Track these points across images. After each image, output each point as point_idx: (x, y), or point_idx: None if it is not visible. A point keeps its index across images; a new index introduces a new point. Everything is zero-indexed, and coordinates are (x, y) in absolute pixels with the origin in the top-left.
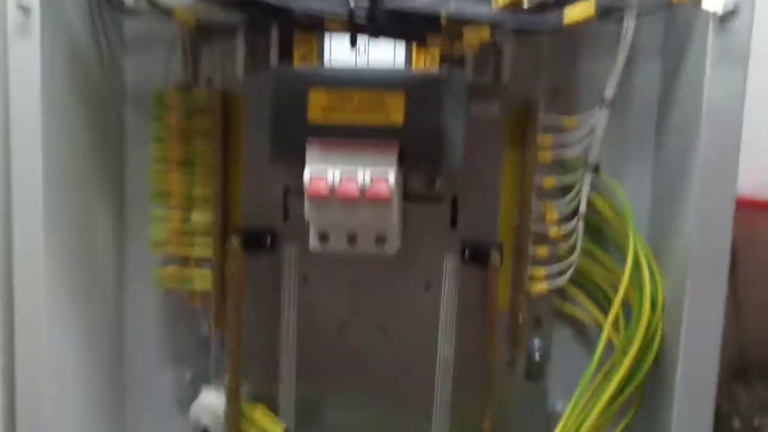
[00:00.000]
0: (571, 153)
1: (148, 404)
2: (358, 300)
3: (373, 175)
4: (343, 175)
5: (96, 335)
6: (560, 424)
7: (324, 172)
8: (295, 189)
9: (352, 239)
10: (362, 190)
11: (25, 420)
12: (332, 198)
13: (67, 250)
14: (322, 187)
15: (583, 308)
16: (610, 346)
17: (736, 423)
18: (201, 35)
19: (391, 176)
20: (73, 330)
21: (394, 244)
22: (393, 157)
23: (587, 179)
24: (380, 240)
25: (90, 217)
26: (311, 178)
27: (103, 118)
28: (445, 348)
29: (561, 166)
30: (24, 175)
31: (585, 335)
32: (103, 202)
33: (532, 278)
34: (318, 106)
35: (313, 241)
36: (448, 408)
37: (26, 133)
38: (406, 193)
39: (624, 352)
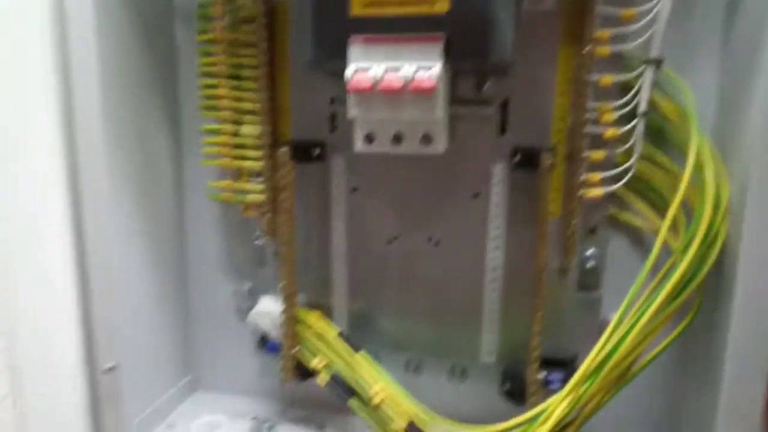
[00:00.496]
0: (631, 47)
1: (211, 312)
2: (407, 210)
3: (418, 67)
4: (387, 69)
5: (159, 244)
6: (609, 329)
7: (367, 66)
8: (340, 98)
9: (397, 139)
10: (406, 83)
11: (101, 325)
12: (376, 93)
13: (127, 160)
14: (364, 80)
15: (641, 215)
16: (666, 253)
17: None
18: None
19: (436, 68)
20: (138, 237)
21: (440, 144)
22: (438, 49)
23: (648, 76)
24: (426, 139)
25: (147, 129)
26: (355, 72)
27: (153, 31)
28: (494, 257)
29: (619, 62)
30: (84, 92)
31: (642, 244)
32: (159, 114)
33: (586, 183)
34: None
35: (359, 143)
36: (498, 317)
37: (83, 49)
38: (454, 97)
39: (683, 253)
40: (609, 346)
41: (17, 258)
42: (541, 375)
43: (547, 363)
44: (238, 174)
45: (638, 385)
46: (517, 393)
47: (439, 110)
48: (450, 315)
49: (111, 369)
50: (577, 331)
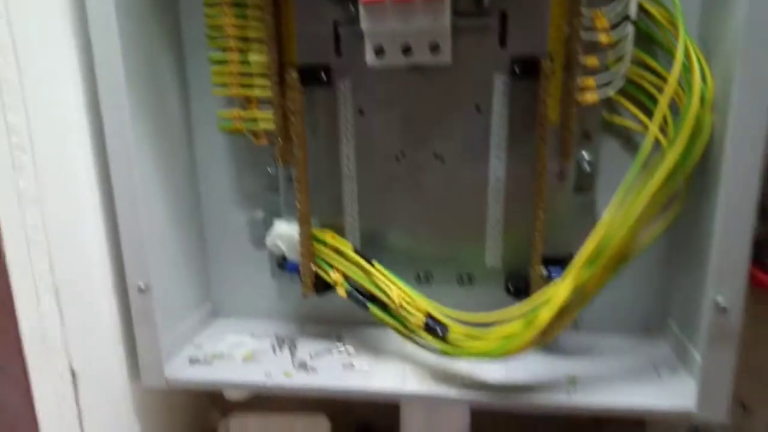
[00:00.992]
0: None
1: (226, 242)
2: (412, 128)
3: None
4: None
5: (172, 178)
6: (604, 217)
7: None
8: (345, 20)
9: (407, 50)
10: None
11: (131, 247)
12: (388, 3)
13: (139, 94)
14: None
15: (632, 117)
16: (656, 150)
17: None
18: None
19: None
20: (152, 170)
21: (447, 52)
22: None
23: None
24: (434, 48)
25: (154, 62)
26: None
27: None
28: (496, 167)
29: None
30: (101, 27)
31: (633, 146)
32: (163, 47)
33: (582, 89)
34: None
35: (370, 57)
36: (501, 225)
37: None
38: (455, 10)
39: (672, 145)
40: (605, 233)
41: (50, 189)
42: (544, 271)
43: (547, 261)
44: (247, 103)
45: (631, 272)
46: (521, 291)
47: (448, 17)
48: (456, 226)
49: (143, 289)
50: (573, 232)
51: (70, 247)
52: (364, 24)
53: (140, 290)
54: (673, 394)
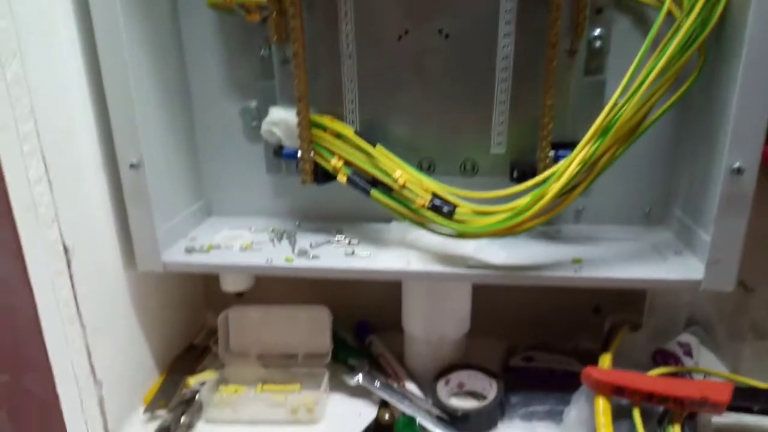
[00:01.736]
0: None
1: (217, 135)
2: (416, 2)
3: None
4: None
5: (160, 59)
6: (616, 92)
7: None
8: None
9: None
10: None
11: (121, 124)
12: None
13: None
14: None
15: None
16: (669, 24)
17: None
18: None
19: None
20: (138, 52)
21: None
22: None
23: None
24: None
25: None
26: None
27: None
28: (505, 45)
29: None
30: None
31: (645, 24)
32: None
33: None
34: None
35: None
36: (507, 108)
37: None
38: None
39: (686, 16)
40: (617, 108)
41: (32, 47)
42: (552, 153)
43: (554, 146)
44: None
45: (633, 164)
46: (527, 176)
47: None
48: (460, 110)
49: (135, 165)
50: (582, 115)
51: (55, 111)
52: None
53: (132, 166)
54: (678, 269)
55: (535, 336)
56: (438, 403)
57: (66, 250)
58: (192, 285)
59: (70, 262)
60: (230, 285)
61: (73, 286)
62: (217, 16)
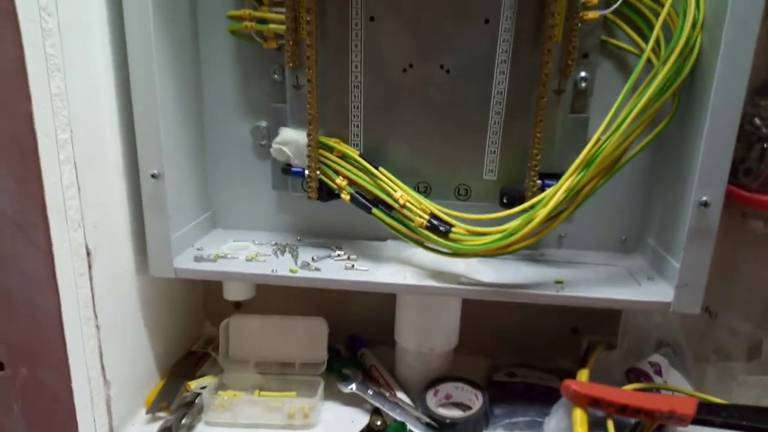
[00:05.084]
0: None
1: (227, 151)
2: (422, 39)
3: None
4: None
5: (181, 76)
6: (599, 129)
7: None
8: None
9: None
10: None
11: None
12: None
13: None
14: None
15: (627, 39)
16: (648, 70)
17: (757, 121)
18: None
19: None
20: (161, 69)
21: None
22: None
23: None
24: None
25: None
26: None
27: None
28: (500, 82)
29: None
30: None
31: (626, 69)
32: None
33: (585, 5)
34: None
35: None
36: (499, 139)
37: None
38: None
39: (663, 64)
40: (599, 143)
41: (70, 58)
42: (539, 182)
43: (541, 176)
44: (258, 2)
45: (611, 195)
46: (515, 203)
47: None
48: (457, 138)
49: (156, 175)
50: (567, 149)
51: (87, 122)
52: None
53: (153, 176)
54: (650, 292)
55: (518, 354)
56: (427, 412)
57: (88, 253)
58: (193, 294)
59: (91, 265)
60: (233, 294)
61: (92, 287)
62: (235, 41)
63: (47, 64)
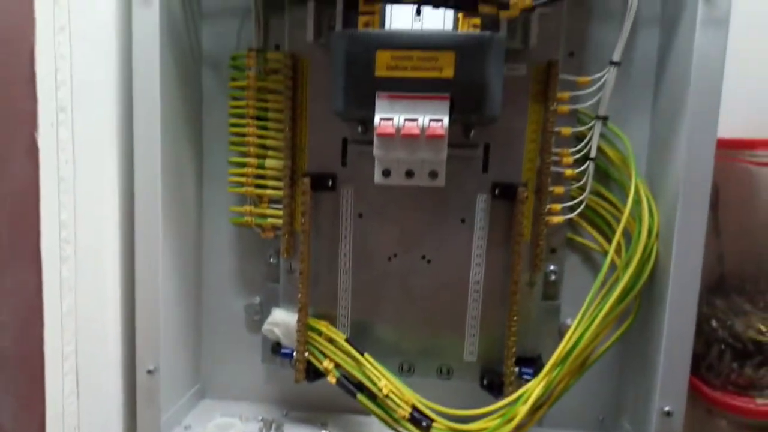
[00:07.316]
0: (585, 106)
1: (221, 324)
2: (405, 234)
3: (430, 119)
4: (406, 119)
5: (182, 262)
6: (571, 328)
7: (390, 117)
8: (353, 139)
9: (409, 174)
10: (422, 130)
11: (145, 329)
12: (397, 137)
13: (164, 185)
14: (389, 128)
15: (592, 238)
16: (612, 270)
17: (713, 323)
18: (270, 5)
19: (445, 120)
20: (166, 253)
21: (443, 178)
22: (446, 105)
23: (597, 129)
24: (433, 174)
25: (178, 158)
26: (381, 121)
27: (187, 78)
28: (476, 273)
29: (575, 117)
30: (144, 125)
31: (591, 262)
32: (187, 148)
33: (550, 212)
34: (384, 63)
35: (378, 177)
36: (478, 323)
37: (148, 96)
38: (449, 142)
39: (625, 269)
40: (572, 341)
41: (83, 276)
42: (516, 369)
43: (517, 360)
44: (259, 200)
45: (588, 377)
46: (495, 386)
47: (445, 152)
48: (438, 322)
49: (151, 371)
50: (540, 334)
51: (91, 339)
52: (377, 151)
53: (149, 372)
54: None
55: None
56: None
57: None
58: None
59: None
60: None
61: None
62: (235, 229)
63: (61, 288)
